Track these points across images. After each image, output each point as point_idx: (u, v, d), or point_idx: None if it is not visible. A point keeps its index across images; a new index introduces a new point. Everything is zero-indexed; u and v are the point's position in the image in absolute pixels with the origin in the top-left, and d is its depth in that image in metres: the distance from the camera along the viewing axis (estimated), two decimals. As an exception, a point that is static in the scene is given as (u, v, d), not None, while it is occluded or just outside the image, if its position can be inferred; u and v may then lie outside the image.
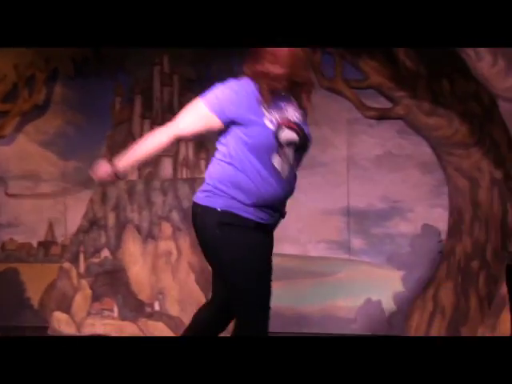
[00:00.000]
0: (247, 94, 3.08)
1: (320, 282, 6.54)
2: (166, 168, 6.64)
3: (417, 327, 6.20)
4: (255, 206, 3.12)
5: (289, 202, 6.52)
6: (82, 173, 7.04)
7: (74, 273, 6.79)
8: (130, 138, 6.68)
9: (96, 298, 6.71)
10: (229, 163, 3.11)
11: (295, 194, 6.52)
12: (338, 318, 6.45)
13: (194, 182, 6.57)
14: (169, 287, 6.56)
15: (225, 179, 3.11)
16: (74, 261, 6.81)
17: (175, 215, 6.58)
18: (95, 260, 6.77)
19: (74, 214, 7.18)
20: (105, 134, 7.07)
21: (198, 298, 6.43)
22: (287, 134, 3.09)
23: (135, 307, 6.60)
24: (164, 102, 6.66)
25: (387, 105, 6.38)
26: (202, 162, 6.57)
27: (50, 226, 7.23)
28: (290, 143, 3.10)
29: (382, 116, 6.38)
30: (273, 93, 3.09)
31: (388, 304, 6.37)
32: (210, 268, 5.32)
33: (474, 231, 6.14)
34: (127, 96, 7.00)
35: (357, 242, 6.52)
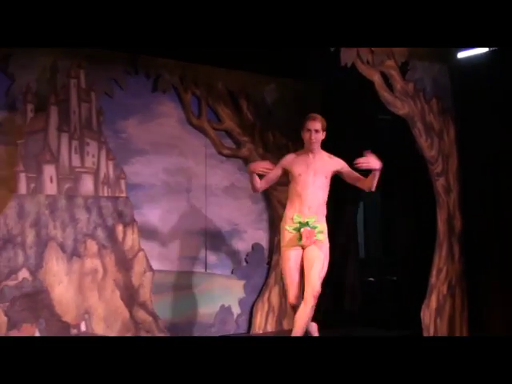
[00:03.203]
0: None
1: (185, 294, 7.18)
2: (87, 184, 6.18)
3: (259, 325, 7.58)
4: None
5: (160, 223, 7.28)
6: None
7: (-18, 299, 5.55)
8: (47, 149, 6.01)
9: (13, 325, 5.65)
10: None
11: (167, 215, 7.30)
12: (200, 323, 7.23)
13: (116, 201, 6.37)
14: (95, 306, 6.08)
15: None
16: (-17, 285, 5.57)
17: (100, 233, 6.18)
18: (11, 282, 5.68)
19: None
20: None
21: (123, 314, 6.28)
22: None
23: (60, 330, 5.86)
24: (82, 117, 6.22)
25: (233, 146, 7.64)
26: (122, 182, 6.43)
27: None
28: None
29: (233, 155, 7.60)
30: None
31: (235, 308, 7.53)
32: (134, 283, 6.49)
33: (288, 248, 7.94)
34: (11, 102, 6.14)
35: (211, 258, 7.44)
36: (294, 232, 5.31)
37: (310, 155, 5.43)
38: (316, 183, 5.37)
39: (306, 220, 5.28)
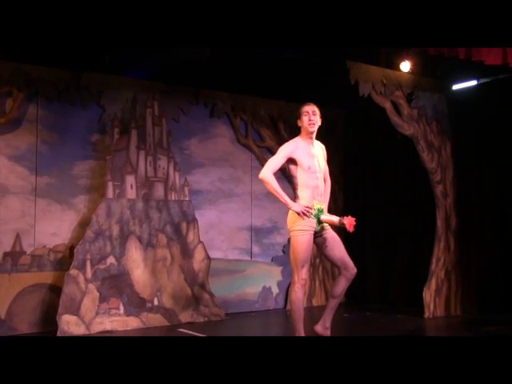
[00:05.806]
0: None
1: (235, 277, 7.97)
2: (159, 190, 7.03)
3: (293, 302, 8.29)
4: None
5: (215, 221, 7.96)
6: (54, 188, 6.71)
7: (81, 278, 6.41)
8: (128, 162, 6.85)
9: (103, 299, 6.54)
10: None
11: (220, 214, 7.98)
12: (247, 300, 8.00)
13: (181, 203, 7.19)
14: (165, 285, 6.95)
15: None
16: (81, 268, 6.43)
17: (169, 228, 7.05)
18: (101, 266, 6.56)
19: (43, 226, 6.64)
20: (77, 156, 6.90)
21: (187, 292, 7.10)
22: None
23: (138, 304, 6.74)
24: (155, 138, 7.06)
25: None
26: (186, 188, 7.25)
27: (18, 237, 6.47)
28: None
29: (273, 166, 8.32)
30: None
31: (274, 288, 8.28)
32: (195, 268, 7.24)
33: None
34: (102, 126, 6.99)
35: (255, 249, 8.21)
36: (313, 218, 4.88)
37: (311, 144, 5.01)
38: (321, 173, 5.04)
39: (322, 207, 4.95)
